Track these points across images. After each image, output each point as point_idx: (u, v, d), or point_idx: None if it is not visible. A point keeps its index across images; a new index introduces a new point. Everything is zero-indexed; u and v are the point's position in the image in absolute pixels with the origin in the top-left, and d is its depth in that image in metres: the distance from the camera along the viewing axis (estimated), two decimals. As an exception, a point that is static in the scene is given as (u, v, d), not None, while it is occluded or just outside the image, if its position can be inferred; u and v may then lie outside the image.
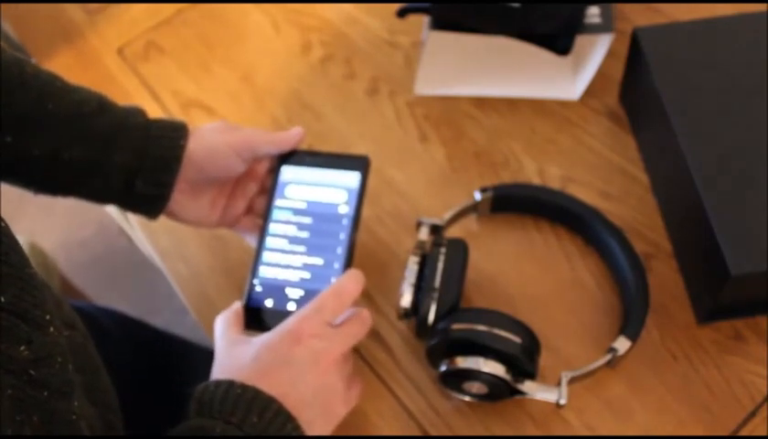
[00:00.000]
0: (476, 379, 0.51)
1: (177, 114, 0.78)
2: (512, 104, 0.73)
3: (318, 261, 0.57)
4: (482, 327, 0.51)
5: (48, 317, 0.38)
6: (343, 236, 0.57)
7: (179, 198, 0.58)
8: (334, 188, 0.59)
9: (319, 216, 0.58)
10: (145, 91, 0.80)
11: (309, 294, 0.54)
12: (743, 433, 0.53)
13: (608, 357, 0.54)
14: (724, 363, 0.56)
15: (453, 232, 0.64)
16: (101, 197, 0.58)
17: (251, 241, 0.62)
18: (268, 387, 0.47)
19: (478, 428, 0.55)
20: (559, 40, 0.68)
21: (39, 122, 0.53)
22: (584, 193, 0.65)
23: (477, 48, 0.70)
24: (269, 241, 0.58)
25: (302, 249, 0.57)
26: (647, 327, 0.57)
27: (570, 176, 0.67)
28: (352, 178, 0.59)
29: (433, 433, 0.56)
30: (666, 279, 0.60)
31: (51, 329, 0.38)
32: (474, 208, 0.64)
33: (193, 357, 0.85)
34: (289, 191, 0.60)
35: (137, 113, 0.57)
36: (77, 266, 1.56)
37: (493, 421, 0.55)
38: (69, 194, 0.57)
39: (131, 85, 0.81)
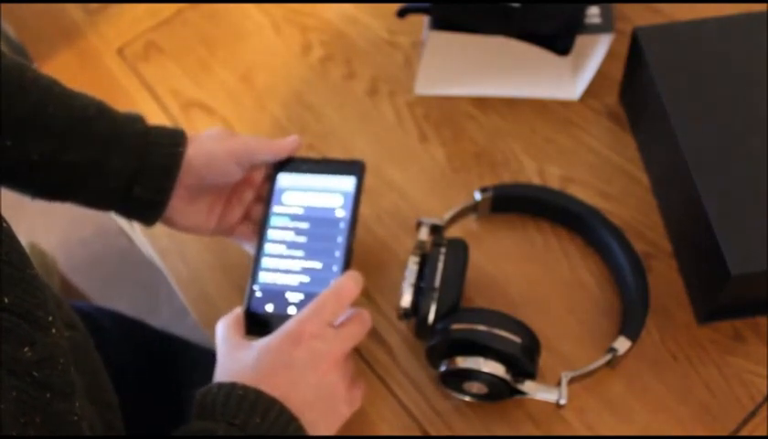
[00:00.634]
0: (476, 379, 0.51)
1: (177, 114, 0.78)
2: (512, 104, 0.73)
3: (317, 264, 0.57)
4: (482, 327, 0.51)
5: (50, 319, 0.38)
6: (340, 239, 0.58)
7: (177, 204, 0.58)
8: (330, 193, 0.60)
9: (316, 220, 0.59)
10: (145, 91, 0.80)
11: (309, 298, 0.54)
12: (743, 433, 0.53)
13: (608, 357, 0.54)
14: (724, 363, 0.56)
15: (453, 232, 0.64)
16: (98, 202, 0.58)
17: (249, 249, 0.62)
18: (270, 389, 0.47)
19: (478, 428, 0.55)
20: (559, 40, 0.68)
21: (39, 126, 0.53)
22: (584, 193, 0.65)
23: (477, 48, 0.70)
24: (267, 247, 0.58)
25: (300, 253, 0.58)
26: (647, 327, 0.57)
27: (570, 176, 0.67)
28: (348, 183, 0.60)
29: (433, 433, 0.56)
30: (666, 279, 0.60)
31: (53, 330, 0.38)
32: (474, 208, 0.64)
33: (193, 357, 0.85)
34: (286, 198, 0.60)
35: (136, 119, 0.58)
36: (77, 266, 1.56)
37: (493, 421, 0.55)
38: (67, 199, 0.57)
39: (131, 85, 0.81)
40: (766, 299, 0.55)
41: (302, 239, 0.58)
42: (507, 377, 0.51)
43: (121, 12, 0.88)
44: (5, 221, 0.39)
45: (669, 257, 0.61)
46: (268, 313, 0.56)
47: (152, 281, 1.46)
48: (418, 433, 0.56)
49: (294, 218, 0.59)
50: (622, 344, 0.54)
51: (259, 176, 0.62)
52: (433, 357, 0.54)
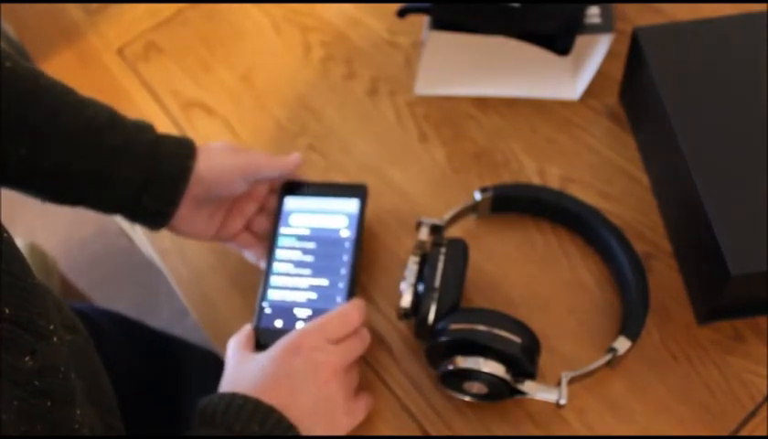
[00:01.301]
0: (476, 379, 0.51)
1: (177, 114, 0.78)
2: (512, 104, 0.73)
3: (324, 282, 0.59)
4: (482, 327, 0.51)
5: (51, 327, 0.39)
6: (346, 258, 0.60)
7: (181, 212, 0.60)
8: (335, 215, 0.62)
9: (322, 240, 0.61)
10: (145, 91, 0.80)
11: (316, 314, 0.57)
12: (743, 433, 0.53)
13: (608, 357, 0.54)
14: (724, 363, 0.56)
15: (453, 232, 0.64)
16: (107, 209, 0.60)
17: (249, 257, 0.64)
18: (269, 398, 0.48)
19: (478, 428, 0.55)
20: (559, 40, 0.68)
21: (51, 136, 0.54)
22: (584, 193, 0.65)
23: (477, 48, 0.70)
24: (276, 266, 0.61)
25: (307, 271, 0.60)
26: (647, 327, 0.57)
27: (570, 176, 0.67)
28: (352, 205, 0.63)
29: (433, 433, 0.56)
30: (666, 279, 0.60)
31: (54, 339, 0.39)
32: (474, 208, 0.64)
33: (192, 357, 0.85)
34: (293, 220, 0.63)
35: (147, 129, 0.59)
36: (77, 266, 1.56)
37: (493, 421, 0.55)
38: (77, 204, 0.58)
39: (131, 85, 0.81)
40: (766, 299, 0.55)
41: (309, 258, 0.61)
42: (507, 377, 0.51)
43: (121, 12, 0.88)
44: (6, 231, 0.39)
45: (669, 257, 0.61)
46: (277, 328, 0.58)
47: (152, 281, 1.47)
48: (418, 433, 0.56)
49: (301, 238, 0.62)
50: (622, 344, 0.54)
51: (263, 189, 0.64)
52: (433, 357, 0.54)
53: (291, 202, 0.64)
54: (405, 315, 0.55)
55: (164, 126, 0.76)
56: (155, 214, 0.59)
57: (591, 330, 0.58)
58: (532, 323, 0.53)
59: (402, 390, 0.58)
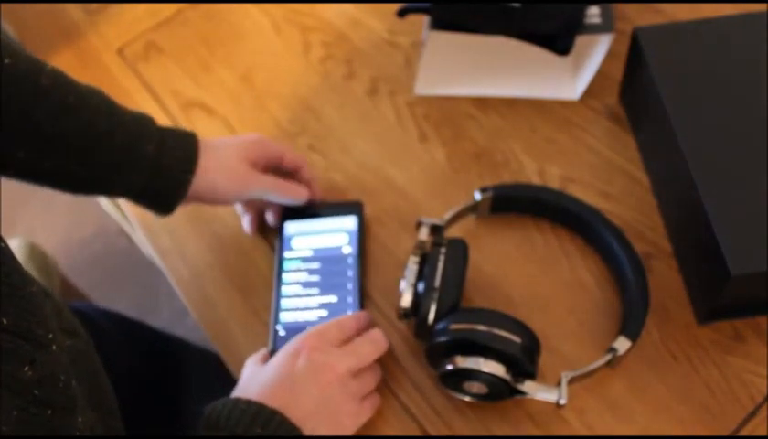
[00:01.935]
0: (476, 379, 0.51)
1: (177, 114, 0.78)
2: (512, 104, 0.73)
3: (332, 298, 0.61)
4: (482, 327, 0.51)
5: (50, 336, 0.39)
6: (351, 273, 0.61)
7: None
8: (335, 233, 0.64)
9: (326, 259, 0.63)
10: (145, 91, 0.80)
11: None
12: (743, 433, 0.53)
13: (608, 357, 0.54)
14: (724, 363, 0.56)
15: (453, 232, 0.64)
16: (109, 197, 0.62)
17: (268, 218, 0.66)
18: (271, 401, 0.49)
19: (478, 428, 0.55)
20: (559, 40, 0.68)
21: (51, 139, 0.55)
22: (584, 193, 0.65)
23: (477, 48, 0.70)
24: (284, 290, 0.62)
25: (315, 291, 0.61)
26: (647, 327, 0.57)
27: (570, 176, 0.67)
28: (350, 222, 0.64)
29: (433, 433, 0.56)
30: (666, 279, 0.60)
31: (54, 347, 0.39)
32: (474, 208, 0.64)
33: (192, 357, 0.85)
34: (295, 243, 0.64)
35: (147, 135, 0.59)
36: (77, 266, 1.56)
37: (493, 421, 0.55)
38: (77, 194, 0.60)
39: (131, 85, 0.81)
40: (766, 299, 0.55)
41: (315, 277, 0.62)
42: (507, 377, 0.51)
43: (121, 12, 0.88)
44: (4, 241, 0.39)
45: (669, 257, 0.61)
46: None
47: (152, 281, 1.46)
48: (418, 433, 0.56)
49: (306, 260, 0.63)
50: (622, 344, 0.54)
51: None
52: (433, 357, 0.54)
53: (291, 227, 0.65)
54: (405, 315, 0.55)
55: (164, 126, 0.76)
56: (158, 207, 0.61)
57: (591, 330, 0.58)
58: (532, 323, 0.53)
59: (402, 390, 0.58)
